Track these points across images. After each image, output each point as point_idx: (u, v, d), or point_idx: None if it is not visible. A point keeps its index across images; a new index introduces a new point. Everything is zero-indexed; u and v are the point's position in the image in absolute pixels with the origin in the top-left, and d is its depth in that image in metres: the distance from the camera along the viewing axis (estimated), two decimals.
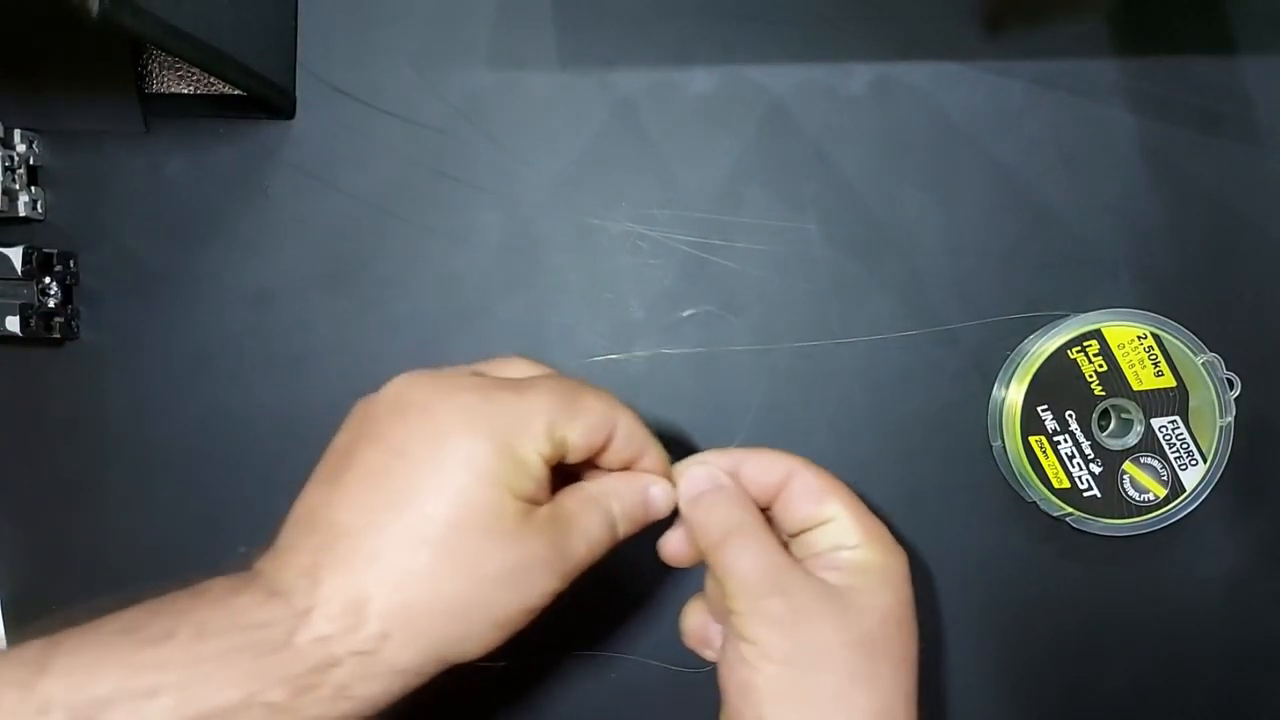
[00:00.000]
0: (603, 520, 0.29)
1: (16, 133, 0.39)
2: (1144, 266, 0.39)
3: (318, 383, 0.39)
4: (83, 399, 0.40)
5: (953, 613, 0.39)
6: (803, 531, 0.30)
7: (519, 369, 0.30)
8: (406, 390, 0.27)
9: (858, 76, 0.39)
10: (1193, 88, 0.39)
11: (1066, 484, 0.37)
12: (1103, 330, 0.37)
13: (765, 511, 0.31)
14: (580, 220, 0.39)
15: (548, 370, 0.30)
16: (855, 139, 0.39)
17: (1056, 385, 0.37)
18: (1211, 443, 0.37)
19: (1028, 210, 0.39)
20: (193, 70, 0.40)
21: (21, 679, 0.23)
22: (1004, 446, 0.38)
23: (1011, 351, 0.39)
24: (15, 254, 0.37)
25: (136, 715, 0.23)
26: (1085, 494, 0.37)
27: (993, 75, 0.39)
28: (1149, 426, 0.37)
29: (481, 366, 0.30)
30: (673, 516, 0.31)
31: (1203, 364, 0.37)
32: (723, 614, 0.30)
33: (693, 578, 0.33)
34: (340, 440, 0.28)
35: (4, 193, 0.38)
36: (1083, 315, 0.37)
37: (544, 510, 0.27)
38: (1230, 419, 0.37)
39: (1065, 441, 0.37)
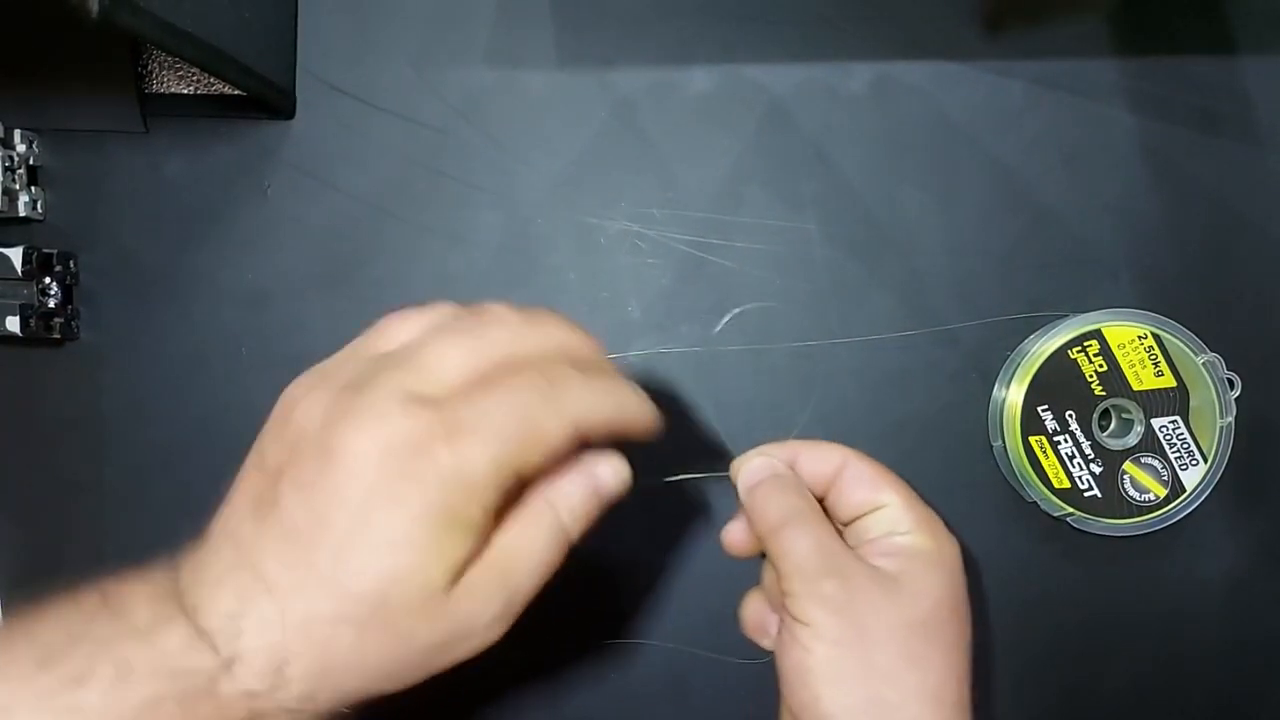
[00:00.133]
0: (551, 538, 0.26)
1: (16, 133, 0.39)
2: (1144, 266, 0.39)
3: None
4: (82, 399, 0.40)
5: None
6: (856, 519, 0.31)
7: (451, 365, 0.25)
8: (333, 424, 0.24)
9: (857, 76, 0.39)
10: (1193, 88, 0.38)
11: (1067, 484, 0.37)
12: (1103, 330, 0.37)
13: (820, 501, 0.32)
14: (579, 220, 0.39)
15: (536, 328, 0.27)
16: (855, 139, 0.39)
17: (1057, 385, 0.37)
18: (1212, 443, 0.37)
19: (1028, 210, 0.39)
20: (192, 70, 0.40)
21: None
22: (1004, 446, 0.37)
23: (1011, 351, 0.38)
24: (15, 254, 0.38)
25: None
26: (1085, 494, 0.37)
27: (993, 75, 0.39)
28: (1149, 426, 0.37)
29: (405, 360, 0.25)
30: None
31: (1203, 364, 0.37)
32: (778, 600, 0.31)
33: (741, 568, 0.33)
34: (269, 454, 0.25)
35: (4, 193, 0.38)
36: (1083, 315, 0.37)
37: (485, 561, 0.24)
38: (1230, 419, 0.37)
39: (1065, 441, 0.37)
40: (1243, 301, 0.39)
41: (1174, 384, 0.37)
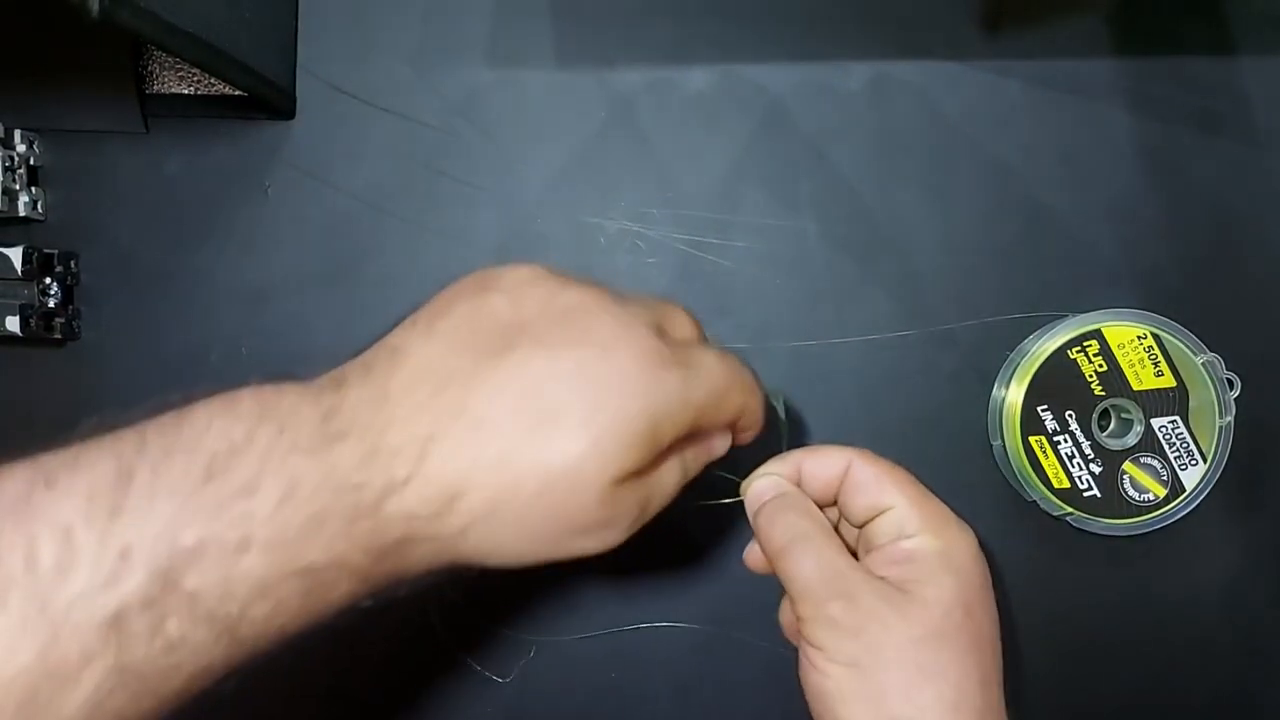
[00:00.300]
0: (680, 476, 0.28)
1: (16, 133, 0.39)
2: (1144, 266, 0.39)
3: None
4: (82, 399, 0.40)
5: None
6: (867, 522, 0.31)
7: (683, 326, 0.29)
8: (600, 311, 0.26)
9: (855, 76, 0.39)
10: (1192, 87, 0.38)
11: (1066, 484, 0.37)
12: (1103, 330, 0.37)
13: (834, 505, 0.32)
14: (578, 219, 0.39)
15: (701, 335, 0.30)
16: (853, 138, 0.39)
17: (1056, 385, 0.37)
18: (1211, 443, 0.37)
19: (1026, 210, 0.39)
20: (192, 70, 0.40)
21: (95, 519, 0.21)
22: (1004, 446, 0.37)
23: (1011, 351, 0.38)
24: (15, 254, 0.38)
25: (225, 570, 0.21)
26: (1085, 494, 0.37)
27: (991, 75, 0.39)
28: (1149, 426, 0.37)
29: (651, 304, 0.28)
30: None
31: (1203, 364, 0.37)
32: (793, 623, 0.31)
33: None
34: (499, 309, 0.26)
35: (4, 193, 0.38)
36: (1083, 315, 0.37)
37: (638, 482, 0.27)
38: (1230, 419, 0.37)
39: (1065, 441, 0.37)
40: (1242, 301, 0.39)
41: (1174, 384, 0.37)
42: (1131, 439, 0.37)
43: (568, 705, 0.39)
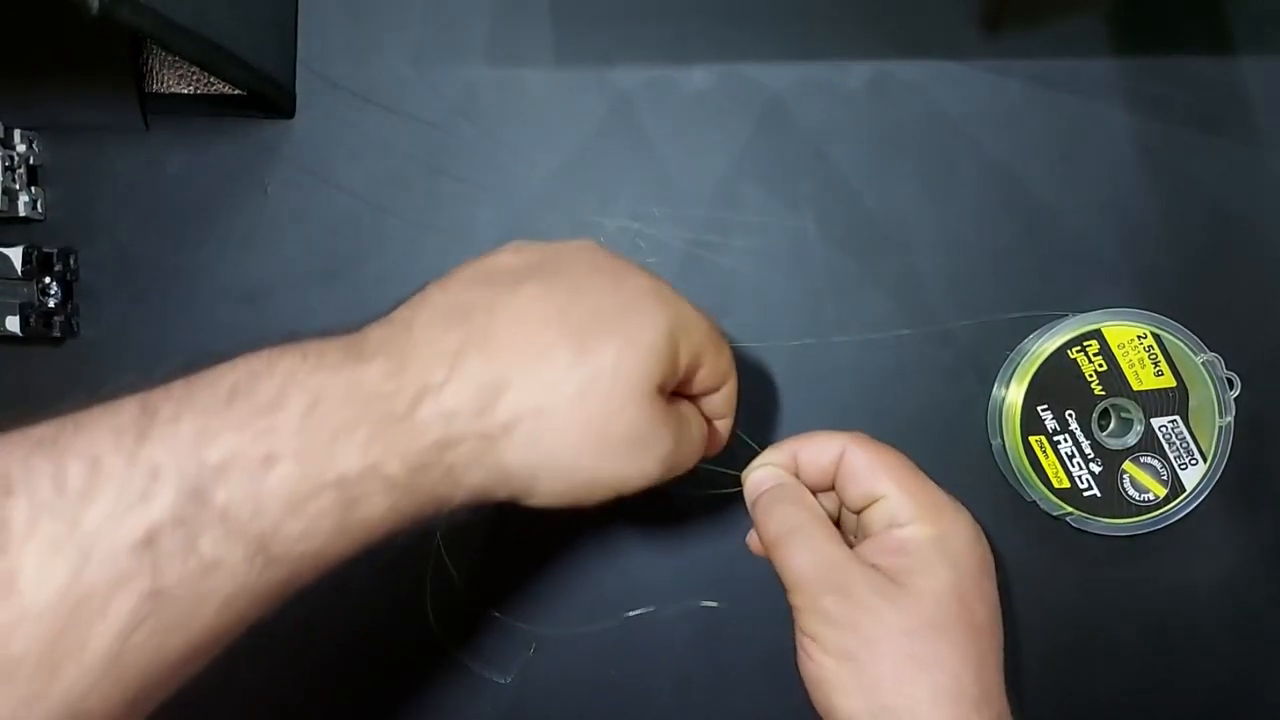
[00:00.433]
0: (700, 427, 0.30)
1: (16, 132, 0.39)
2: (1143, 266, 0.39)
3: None
4: (82, 398, 0.40)
5: None
6: (863, 509, 0.31)
7: None
8: (598, 252, 0.28)
9: (855, 74, 0.39)
10: (1192, 87, 0.39)
11: (1066, 483, 0.37)
12: (1103, 330, 0.37)
13: (831, 491, 0.32)
14: (578, 217, 0.39)
15: None
16: (853, 137, 0.39)
17: (1056, 385, 0.37)
18: (1211, 442, 0.37)
19: (1026, 209, 0.39)
20: (192, 69, 0.40)
21: (123, 445, 0.21)
22: (1004, 446, 0.37)
23: (1010, 351, 0.38)
24: (15, 254, 0.38)
25: (254, 484, 0.21)
26: (1085, 493, 0.37)
27: (991, 74, 0.39)
28: (1149, 426, 0.37)
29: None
30: None
31: (1203, 364, 0.37)
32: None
33: None
34: (505, 260, 0.27)
35: (4, 192, 0.38)
36: (1082, 315, 0.37)
37: (670, 408, 0.28)
38: (1230, 419, 0.37)
39: (1065, 441, 0.37)
40: (1243, 301, 0.39)
41: (1173, 384, 0.37)
42: (1131, 439, 0.37)
43: (569, 702, 0.39)
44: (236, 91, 0.39)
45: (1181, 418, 0.37)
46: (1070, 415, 0.37)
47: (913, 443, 0.38)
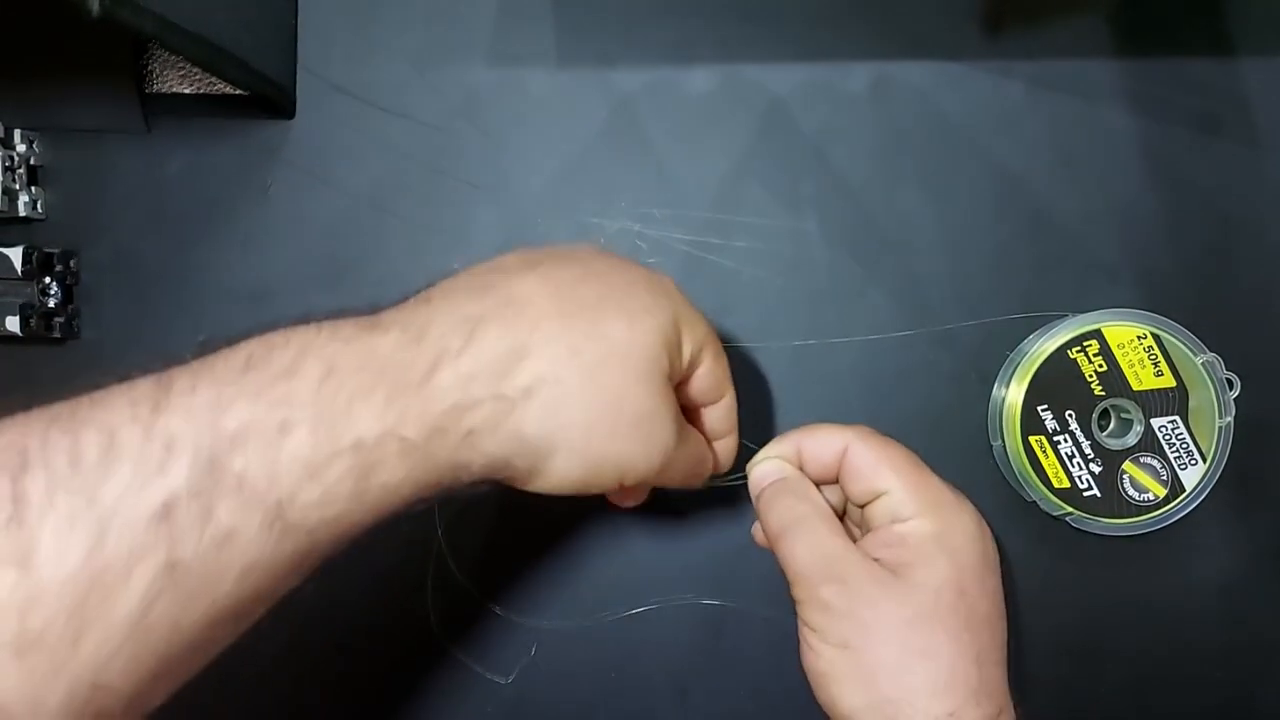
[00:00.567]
0: (688, 465, 0.30)
1: (16, 132, 0.39)
2: (1143, 267, 0.39)
3: None
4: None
5: None
6: (866, 504, 0.31)
7: None
8: (601, 250, 0.30)
9: (857, 76, 0.39)
10: (1192, 88, 0.39)
11: (1066, 484, 0.37)
12: (1103, 330, 0.37)
13: (835, 484, 0.32)
14: (579, 219, 0.39)
15: None
16: (854, 139, 0.39)
17: (1056, 385, 0.37)
18: (1211, 443, 0.37)
19: (1027, 210, 0.39)
20: (193, 69, 0.40)
21: (139, 417, 0.21)
22: (1004, 446, 0.37)
23: (1011, 351, 0.38)
24: (15, 254, 0.38)
25: (271, 451, 0.21)
26: (1085, 494, 0.37)
27: (992, 75, 0.39)
28: (1149, 426, 0.37)
29: None
30: None
31: (1203, 364, 0.37)
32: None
33: None
34: (513, 257, 0.28)
35: (4, 192, 0.38)
36: (1082, 315, 0.37)
37: (675, 407, 0.28)
38: (1230, 419, 0.37)
39: (1065, 441, 0.37)
40: (1242, 301, 0.39)
41: (1173, 384, 0.37)
42: (1131, 439, 0.37)
43: (570, 700, 0.39)
44: (238, 92, 0.39)
45: (1181, 418, 0.37)
46: (1070, 415, 0.37)
47: (913, 443, 0.38)
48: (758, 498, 0.32)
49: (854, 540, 0.31)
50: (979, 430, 0.39)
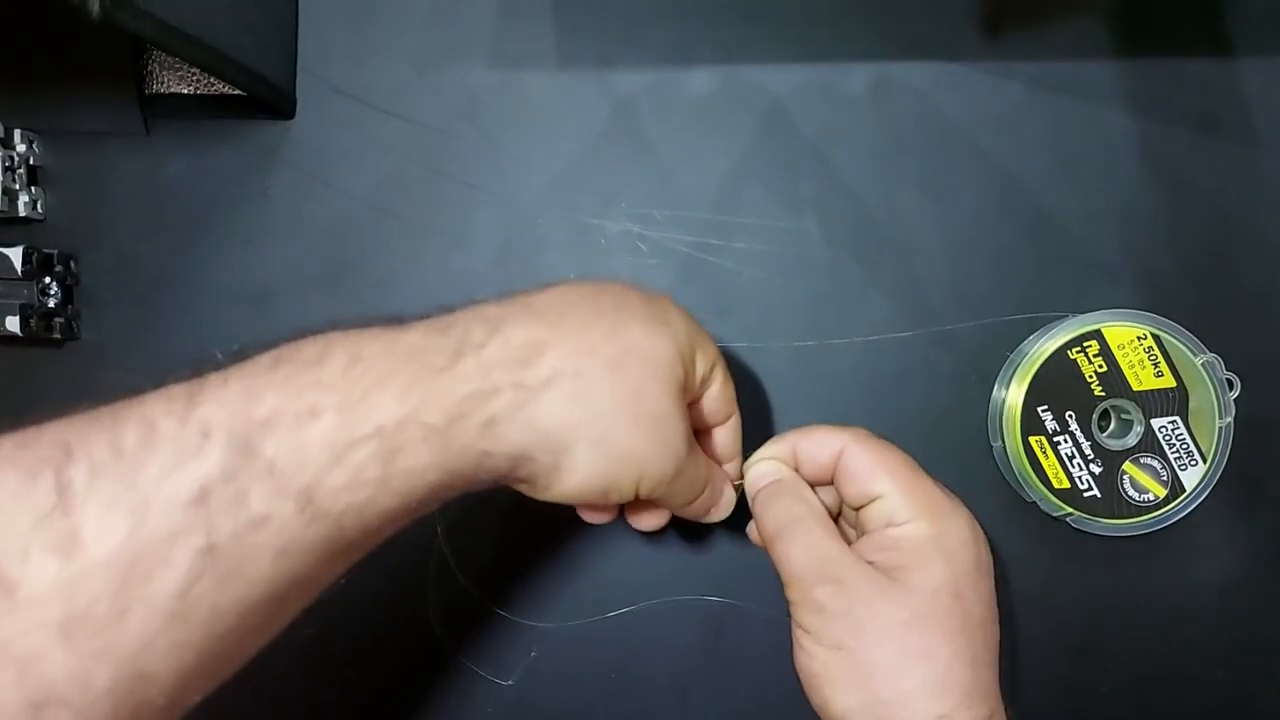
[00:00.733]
0: (698, 486, 0.30)
1: (16, 133, 0.39)
2: (1143, 267, 0.39)
3: None
4: (82, 399, 0.40)
5: None
6: (860, 507, 0.32)
7: None
8: (616, 282, 0.30)
9: (857, 77, 0.39)
10: (1191, 89, 0.39)
11: (1066, 484, 0.37)
12: (1103, 331, 0.37)
13: (831, 486, 0.33)
14: (579, 220, 0.39)
15: None
16: (854, 139, 0.39)
17: (1056, 386, 0.37)
18: (1211, 443, 0.37)
19: (1027, 211, 0.39)
20: (193, 70, 0.40)
21: (174, 410, 0.22)
22: (1004, 447, 0.37)
23: (1011, 352, 0.38)
24: (15, 254, 0.38)
25: (299, 436, 0.22)
26: (1085, 494, 0.37)
27: (992, 76, 0.39)
28: (1149, 427, 0.37)
29: None
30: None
31: (1203, 364, 0.37)
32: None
33: None
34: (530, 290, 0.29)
35: (4, 193, 0.38)
36: (1082, 316, 0.37)
37: (687, 426, 0.29)
38: (1230, 419, 0.37)
39: (1065, 442, 0.37)
40: (1242, 301, 0.39)
41: (1173, 384, 0.37)
42: (1131, 439, 0.37)
43: (571, 699, 0.39)
44: (237, 92, 0.39)
45: (1181, 418, 0.37)
46: (1070, 416, 0.37)
47: (913, 444, 0.38)
48: (754, 498, 0.33)
49: (848, 543, 0.31)
50: (979, 431, 0.39)
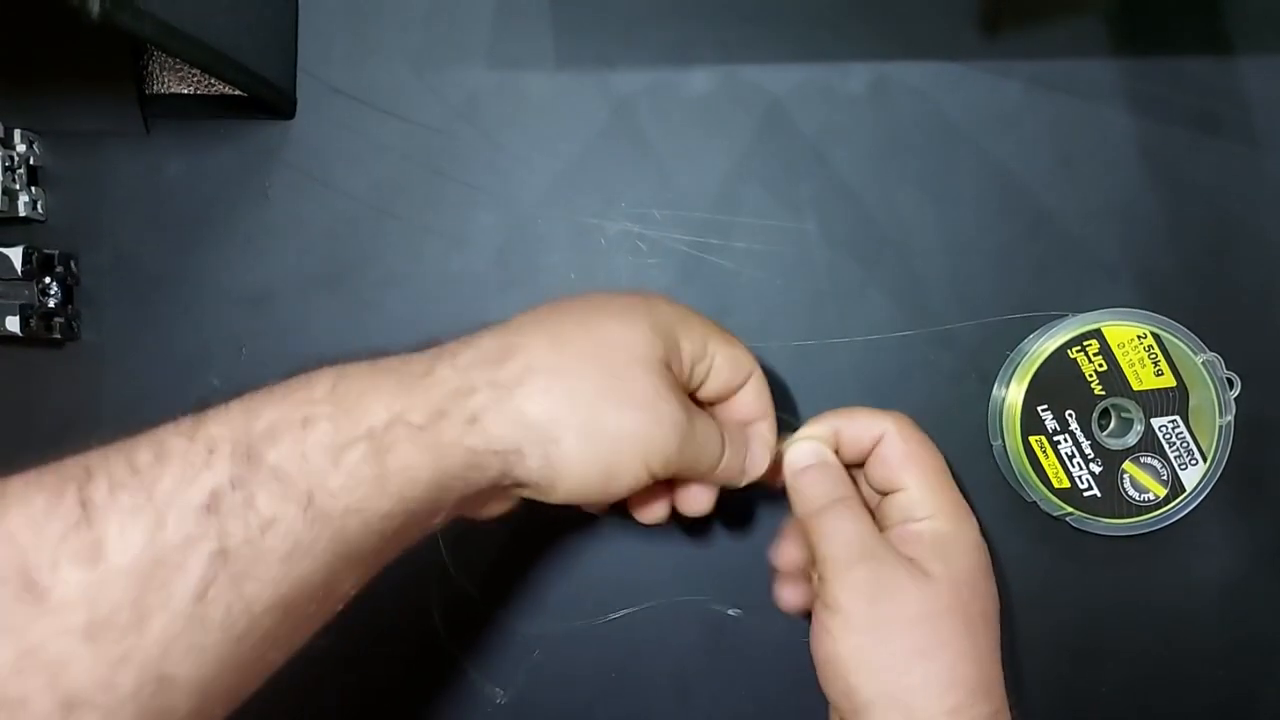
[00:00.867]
0: (716, 447, 0.30)
1: (16, 133, 0.39)
2: (1143, 266, 0.39)
3: None
4: (82, 399, 0.40)
5: None
6: (883, 492, 0.32)
7: None
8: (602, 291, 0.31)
9: (856, 77, 0.39)
10: (1190, 88, 0.39)
11: (1066, 484, 0.37)
12: (1103, 330, 0.37)
13: (860, 467, 0.33)
14: (578, 220, 0.39)
15: None
16: (853, 139, 0.39)
17: (1056, 385, 0.37)
18: (1211, 442, 0.37)
19: (1026, 210, 0.39)
20: (193, 71, 0.40)
21: (183, 430, 0.24)
22: (1004, 446, 0.37)
23: (1011, 351, 0.38)
24: (15, 254, 0.38)
25: (298, 444, 0.24)
26: (1085, 494, 0.37)
27: (991, 75, 0.39)
28: (1149, 426, 0.37)
29: None
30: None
31: (1203, 364, 0.37)
32: (803, 588, 0.33)
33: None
34: (548, 307, 0.30)
35: (4, 193, 0.38)
36: (1083, 315, 0.37)
37: (683, 397, 0.29)
38: (1230, 418, 0.37)
39: (1065, 441, 0.37)
40: (1242, 301, 0.39)
41: (1174, 384, 0.37)
42: (1131, 439, 0.37)
43: (571, 701, 0.39)
44: (237, 92, 0.39)
45: (1181, 418, 0.37)
46: (1070, 415, 0.37)
47: None
48: (797, 473, 0.33)
49: None
50: (979, 430, 0.39)
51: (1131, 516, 0.37)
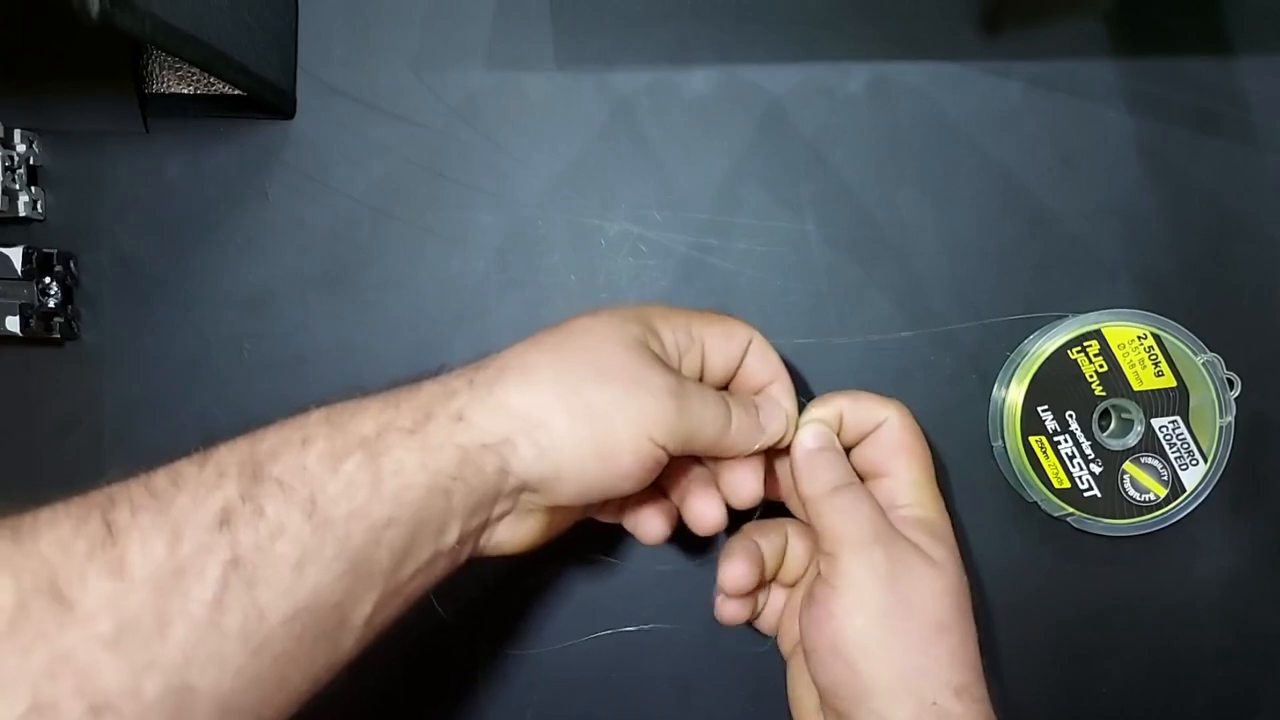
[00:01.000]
0: (720, 409, 0.30)
1: (16, 133, 0.39)
2: (1143, 266, 0.39)
3: (316, 383, 0.39)
4: (82, 399, 0.40)
5: None
6: (868, 479, 0.33)
7: None
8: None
9: (855, 77, 0.39)
10: (1190, 87, 0.39)
11: (1067, 484, 0.37)
12: (1103, 330, 0.37)
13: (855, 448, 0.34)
14: (578, 221, 0.39)
15: None
16: (853, 139, 0.39)
17: (1057, 385, 0.37)
18: (1211, 443, 0.37)
19: (1026, 211, 0.39)
20: (193, 70, 0.40)
21: (194, 460, 0.26)
22: (1004, 447, 0.37)
23: (1011, 352, 0.38)
24: (15, 254, 0.38)
25: (298, 459, 0.26)
26: (1085, 494, 0.37)
27: (990, 75, 0.39)
28: (1149, 426, 0.37)
29: None
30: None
31: (1203, 364, 0.37)
32: (793, 579, 0.34)
33: None
34: (552, 332, 0.31)
35: (4, 193, 0.38)
36: (1083, 315, 0.37)
37: (671, 369, 0.30)
38: (1230, 419, 0.37)
39: (1065, 441, 0.37)
40: (1242, 301, 0.39)
41: (1174, 384, 0.37)
42: (1132, 439, 0.37)
43: (571, 700, 0.39)
44: (237, 92, 0.39)
45: (1182, 418, 0.37)
46: (1070, 416, 0.37)
47: None
48: (809, 454, 0.33)
49: None
50: (979, 431, 0.39)
51: (1132, 517, 0.37)
